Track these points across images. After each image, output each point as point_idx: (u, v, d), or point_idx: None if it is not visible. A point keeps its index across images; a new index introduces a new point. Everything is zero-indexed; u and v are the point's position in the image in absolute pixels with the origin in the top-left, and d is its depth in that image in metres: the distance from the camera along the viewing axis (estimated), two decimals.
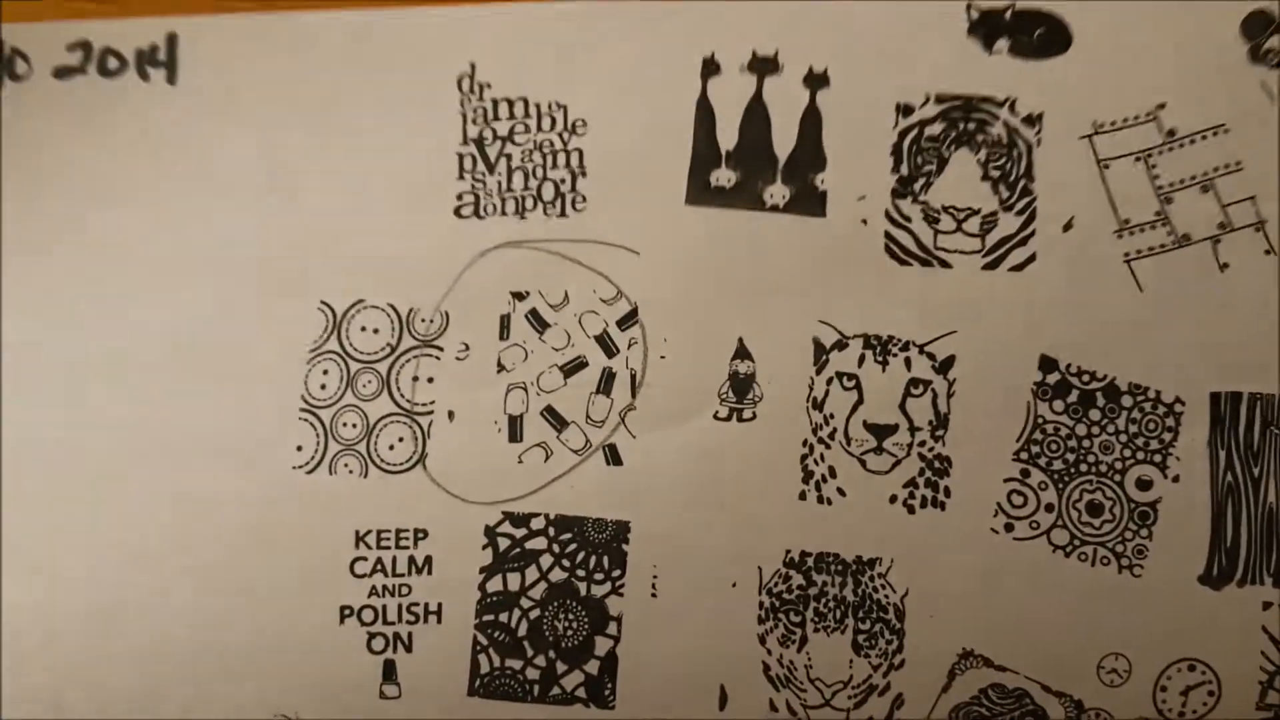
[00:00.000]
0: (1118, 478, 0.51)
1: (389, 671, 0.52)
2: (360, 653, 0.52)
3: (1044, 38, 0.53)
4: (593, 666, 0.52)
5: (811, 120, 0.54)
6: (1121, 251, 0.52)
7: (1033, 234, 0.52)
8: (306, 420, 0.54)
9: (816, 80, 0.54)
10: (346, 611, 0.53)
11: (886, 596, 0.51)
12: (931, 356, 0.52)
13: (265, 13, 0.57)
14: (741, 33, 0.55)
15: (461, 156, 0.55)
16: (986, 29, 0.54)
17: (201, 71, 0.56)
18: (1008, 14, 0.54)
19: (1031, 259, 0.52)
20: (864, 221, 0.53)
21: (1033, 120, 0.53)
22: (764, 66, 0.55)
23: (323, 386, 0.54)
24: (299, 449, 0.53)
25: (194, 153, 0.55)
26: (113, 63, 0.56)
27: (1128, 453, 0.51)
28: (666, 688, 0.51)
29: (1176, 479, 0.51)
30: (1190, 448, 0.51)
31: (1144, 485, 0.51)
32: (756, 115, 0.55)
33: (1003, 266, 0.52)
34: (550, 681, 0.52)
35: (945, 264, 0.52)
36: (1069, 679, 0.50)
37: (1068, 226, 0.52)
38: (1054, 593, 0.51)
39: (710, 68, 0.55)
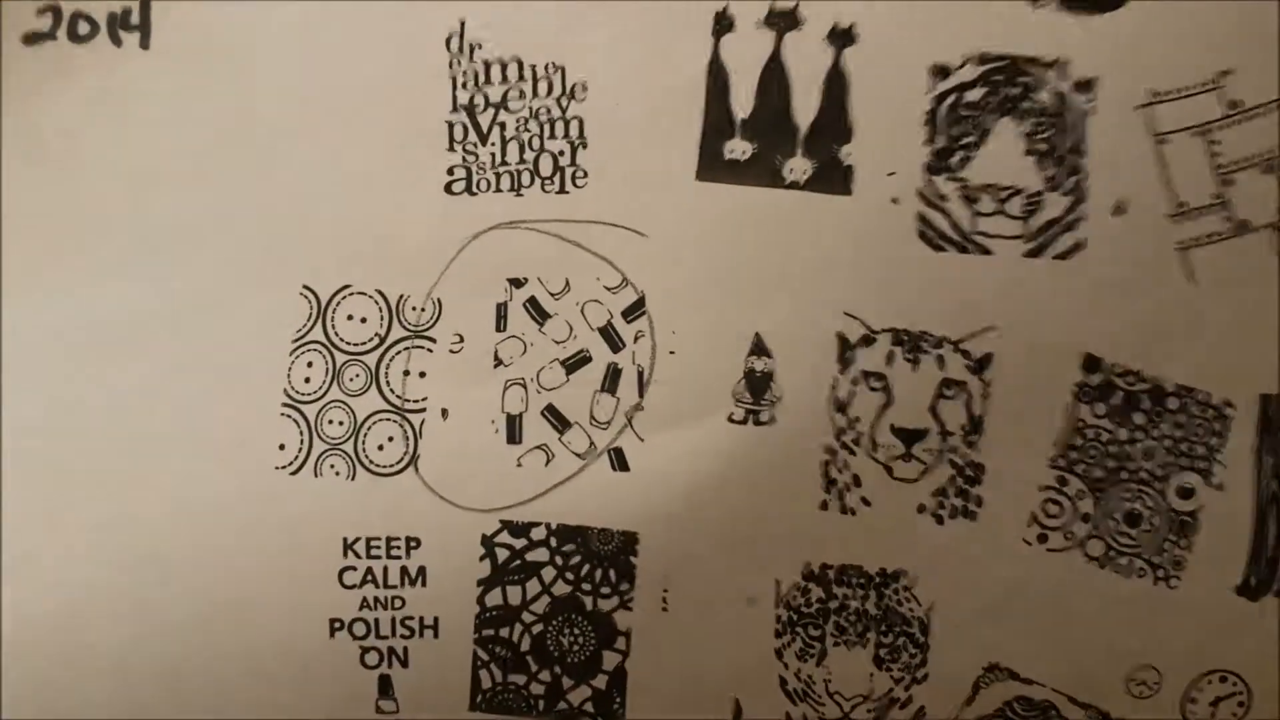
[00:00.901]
0: (1159, 486, 0.50)
1: (385, 687, 0.52)
2: (354, 668, 0.51)
3: None
4: (601, 681, 0.51)
5: (836, 84, 0.50)
6: (1175, 239, 0.49)
7: (1081, 218, 0.49)
8: (289, 416, 0.51)
9: (842, 37, 0.50)
10: (337, 625, 0.51)
11: (911, 610, 0.50)
12: (966, 355, 0.49)
13: None
14: None
15: (451, 125, 0.51)
16: None
17: (176, 35, 0.52)
18: None
19: (1079, 246, 0.49)
20: (894, 201, 0.50)
21: (1084, 85, 0.49)
22: (783, 21, 0.50)
23: (306, 380, 0.51)
24: (281, 448, 0.51)
25: (166, 122, 0.51)
26: (84, 27, 0.52)
27: (1170, 459, 0.49)
28: (679, 702, 0.51)
29: (1220, 487, 0.49)
30: (1236, 454, 0.49)
31: (1186, 494, 0.49)
32: (774, 78, 0.51)
33: (1047, 254, 0.49)
34: (556, 696, 0.52)
35: (985, 250, 0.49)
36: (1097, 691, 0.50)
37: (1118, 210, 0.49)
38: (1085, 605, 0.50)
39: (723, 23, 0.51)
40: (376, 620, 0.51)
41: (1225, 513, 0.49)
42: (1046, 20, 0.49)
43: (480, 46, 0.51)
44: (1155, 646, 0.50)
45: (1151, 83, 0.49)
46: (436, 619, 0.51)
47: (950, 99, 0.49)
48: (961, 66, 0.49)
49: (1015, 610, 0.50)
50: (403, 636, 0.51)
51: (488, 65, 0.51)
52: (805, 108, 0.50)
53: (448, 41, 0.51)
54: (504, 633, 0.51)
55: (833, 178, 0.50)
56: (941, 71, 0.49)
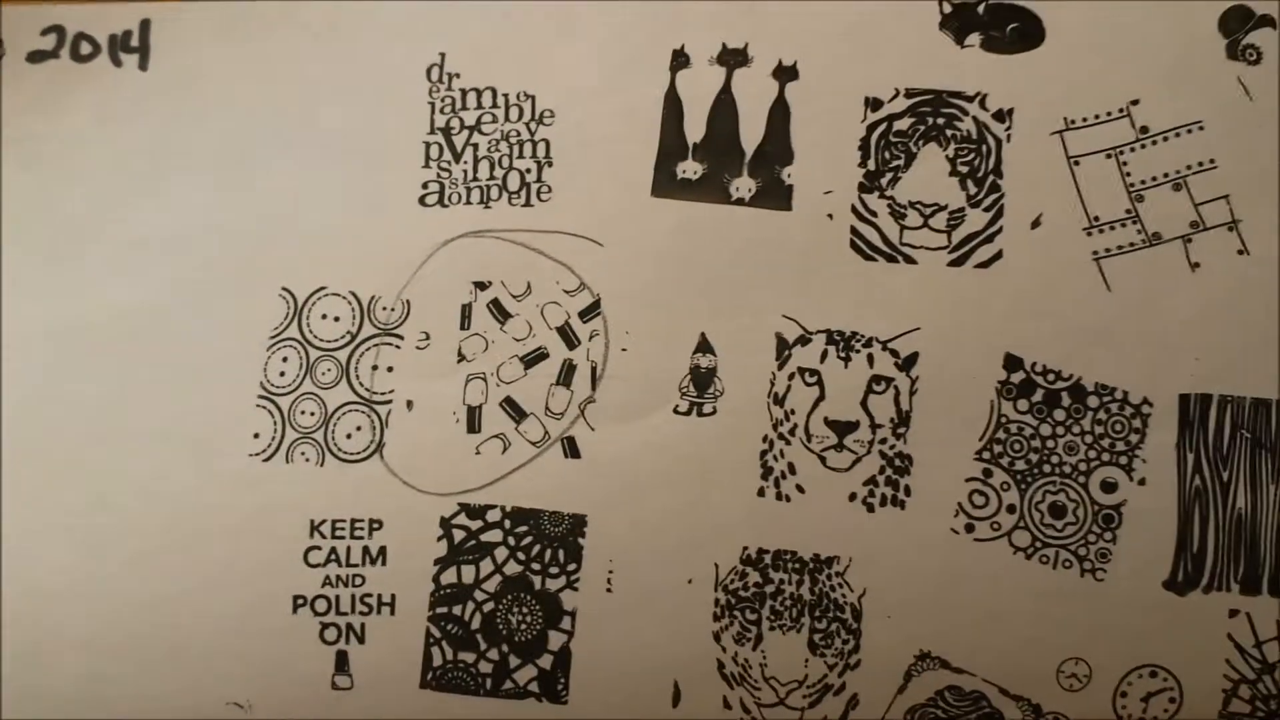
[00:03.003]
0: (1082, 479, 0.58)
1: (341, 662, 0.61)
2: (313, 643, 0.60)
3: (1017, 32, 0.62)
4: (546, 661, 0.60)
5: (779, 113, 0.62)
6: (1090, 250, 0.59)
7: (1000, 231, 0.60)
8: (264, 407, 0.62)
9: (786, 73, 0.63)
10: (300, 601, 0.61)
11: (844, 596, 0.59)
12: (895, 353, 0.60)
13: (239, 1, 0.67)
14: (711, 24, 0.63)
15: (428, 145, 0.64)
16: (959, 23, 0.62)
17: (173, 57, 0.66)
18: (981, 8, 0.62)
19: (998, 256, 0.59)
20: (830, 216, 0.61)
21: (1003, 116, 0.61)
22: (733, 59, 0.63)
23: (282, 374, 0.62)
24: (256, 436, 0.62)
25: (160, 136, 0.64)
26: (86, 47, 0.66)
27: (1093, 454, 0.58)
28: (620, 683, 0.59)
29: (1143, 482, 0.58)
30: (1157, 450, 0.58)
31: (1109, 488, 0.58)
32: (724, 108, 0.63)
33: (969, 263, 0.60)
34: (503, 675, 0.60)
35: (910, 260, 0.60)
36: (1028, 682, 0.58)
37: (1036, 224, 0.60)
38: (1014, 595, 0.58)
39: (680, 60, 0.63)
40: (337, 597, 0.60)
41: (1149, 508, 0.57)
42: (970, 58, 0.61)
43: (458, 76, 0.64)
44: (1085, 639, 0.57)
45: (1066, 111, 0.60)
46: (394, 596, 0.60)
47: (882, 127, 0.61)
48: (892, 99, 0.61)
49: (945, 599, 0.58)
50: (361, 613, 0.60)
51: (464, 93, 0.64)
52: (751, 133, 0.62)
53: (429, 71, 0.64)
54: (456, 610, 0.60)
55: (775, 195, 0.61)
56: (874, 103, 0.61)
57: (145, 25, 0.62)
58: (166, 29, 0.62)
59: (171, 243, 0.60)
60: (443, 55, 0.61)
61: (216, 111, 0.60)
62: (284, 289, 0.59)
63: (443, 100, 0.60)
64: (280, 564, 0.58)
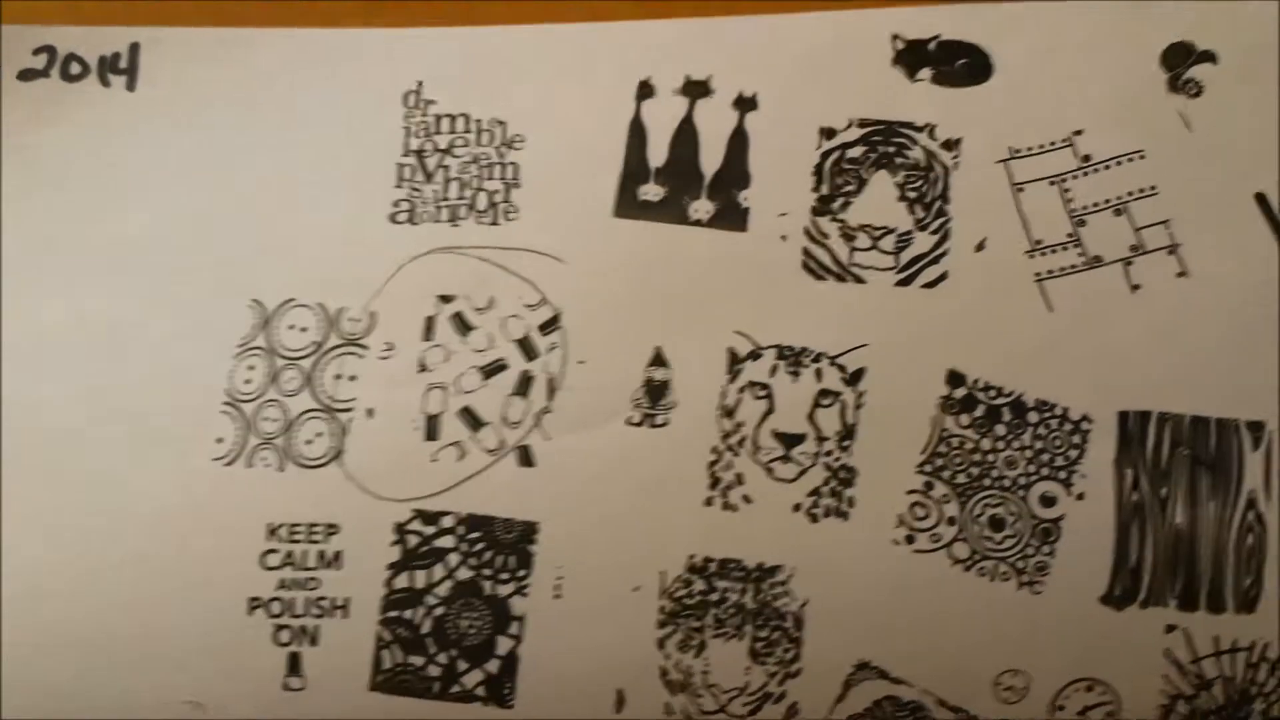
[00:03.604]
0: (1021, 493, 0.72)
1: (294, 664, 0.74)
2: (266, 644, 0.72)
3: (966, 67, 0.77)
4: (494, 665, 0.73)
5: (738, 141, 0.78)
6: (1032, 271, 0.73)
7: (946, 253, 0.75)
8: (228, 413, 0.77)
9: (745, 103, 0.78)
10: (255, 603, 0.74)
11: (786, 605, 0.72)
12: (842, 368, 0.74)
13: (226, 28, 0.84)
14: (676, 57, 0.78)
15: (401, 166, 0.80)
16: (911, 58, 0.77)
17: (160, 80, 0.81)
18: (932, 44, 0.78)
19: (943, 277, 0.74)
20: (783, 237, 0.75)
21: (951, 145, 0.76)
22: (696, 90, 0.79)
23: (247, 381, 0.76)
24: (219, 441, 0.75)
25: (144, 154, 0.79)
26: (75, 68, 0.82)
27: (1032, 469, 0.72)
28: (565, 688, 0.71)
29: (1081, 497, 0.71)
30: (1096, 466, 0.70)
31: (1048, 502, 0.72)
32: (686, 135, 0.78)
33: (915, 283, 0.74)
34: (452, 679, 0.73)
35: (860, 280, 0.74)
36: (965, 694, 0.70)
37: (980, 246, 0.74)
38: (953, 607, 0.70)
39: (645, 90, 0.79)
40: (292, 600, 0.74)
41: (1088, 522, 0.69)
42: (920, 91, 0.76)
43: (434, 102, 0.80)
44: (1022, 651, 0.69)
45: (1011, 141, 0.75)
46: (348, 600, 0.73)
47: (835, 155, 0.76)
48: (846, 128, 0.77)
49: (885, 609, 0.70)
50: (315, 616, 0.74)
51: (438, 118, 0.80)
52: (711, 159, 0.76)
53: (406, 97, 0.80)
54: (408, 614, 0.74)
55: (732, 217, 0.75)
56: (829, 132, 0.76)
57: (135, 48, 0.77)
58: (155, 52, 0.77)
59: (149, 254, 0.72)
60: (420, 83, 0.76)
61: (199, 131, 0.74)
62: (254, 299, 0.74)
63: (418, 125, 0.76)
64: (237, 566, 0.69)
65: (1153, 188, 0.66)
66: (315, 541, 0.67)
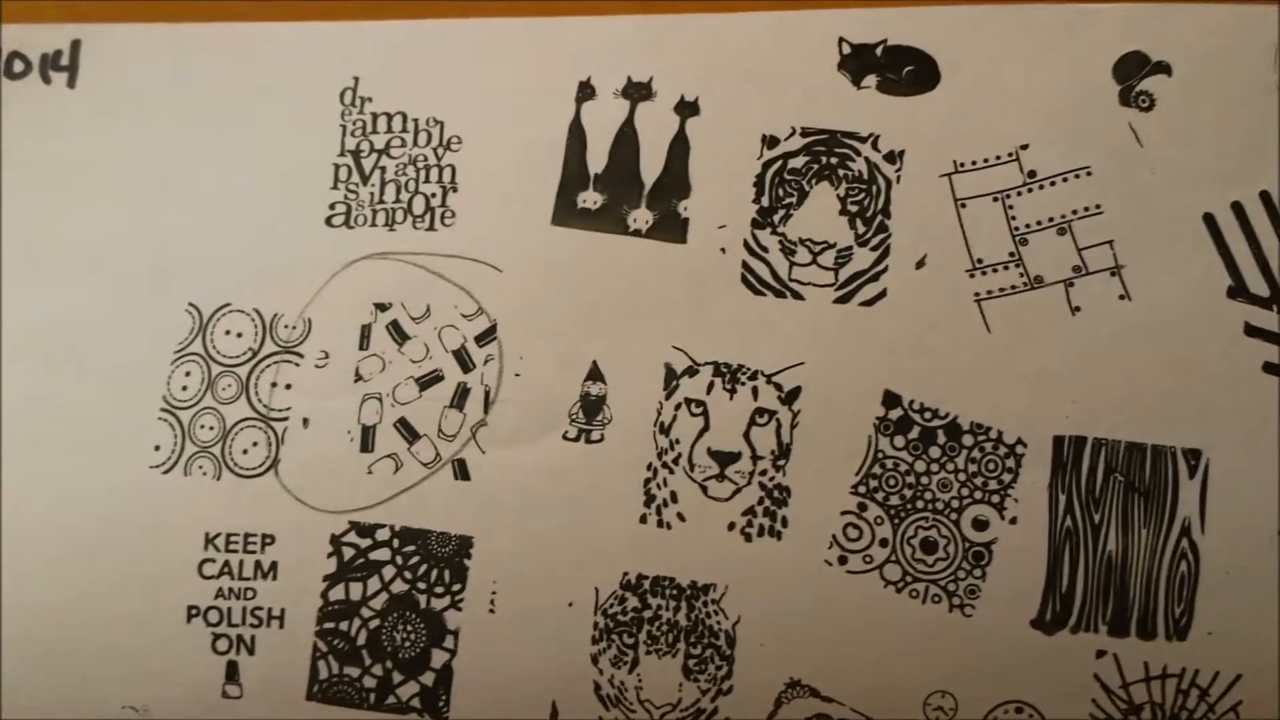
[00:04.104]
0: (954, 516, 0.72)
1: (232, 672, 0.75)
2: (205, 652, 0.73)
3: (913, 74, 0.76)
4: (428, 678, 0.74)
5: (679, 147, 0.77)
6: (972, 291, 0.74)
7: (885, 270, 0.75)
8: (166, 420, 0.78)
9: (687, 108, 0.77)
10: (193, 611, 0.75)
11: (719, 623, 0.73)
12: (778, 387, 0.74)
13: (166, 23, 0.83)
14: (618, 57, 0.77)
15: (338, 167, 0.79)
16: (857, 64, 0.76)
17: (100, 76, 0.80)
18: (879, 50, 0.77)
19: (882, 295, 0.73)
20: (723, 250, 0.75)
21: (894, 157, 0.75)
22: (638, 92, 0.78)
23: (184, 388, 0.77)
24: (156, 448, 0.76)
25: (83, 152, 0.77)
26: (18, 65, 0.81)
27: (966, 492, 0.72)
28: (499, 702, 0.72)
29: (1014, 521, 0.71)
30: (1029, 490, 0.71)
31: (980, 525, 0.72)
32: (626, 140, 0.78)
33: (854, 301, 0.74)
34: (387, 690, 0.74)
35: (798, 295, 0.74)
36: (895, 714, 0.70)
37: (920, 264, 0.74)
38: (884, 627, 0.71)
39: (586, 91, 0.78)
40: (229, 609, 0.75)
41: (1019, 546, 0.70)
42: (866, 99, 0.75)
43: (370, 100, 0.79)
44: (952, 673, 0.70)
45: (955, 154, 0.74)
46: (283, 610, 0.74)
47: (777, 164, 0.75)
48: (789, 137, 0.76)
49: (817, 629, 0.71)
50: (252, 625, 0.75)
51: (375, 117, 0.79)
52: (651, 166, 0.76)
53: (342, 95, 0.79)
54: (343, 626, 0.75)
55: (671, 227, 0.75)
56: (771, 141, 0.76)
57: (76, 45, 0.76)
58: (96, 49, 0.76)
59: (87, 256, 0.72)
60: (356, 79, 0.75)
61: (137, 128, 0.73)
62: (191, 304, 0.74)
63: (354, 123, 0.75)
64: (175, 575, 0.70)
65: (1098, 206, 0.66)
66: (251, 552, 0.68)
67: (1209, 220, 0.66)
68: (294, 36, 0.73)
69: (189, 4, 0.76)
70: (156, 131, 0.73)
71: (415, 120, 0.71)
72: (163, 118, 0.74)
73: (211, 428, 0.69)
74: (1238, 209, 0.66)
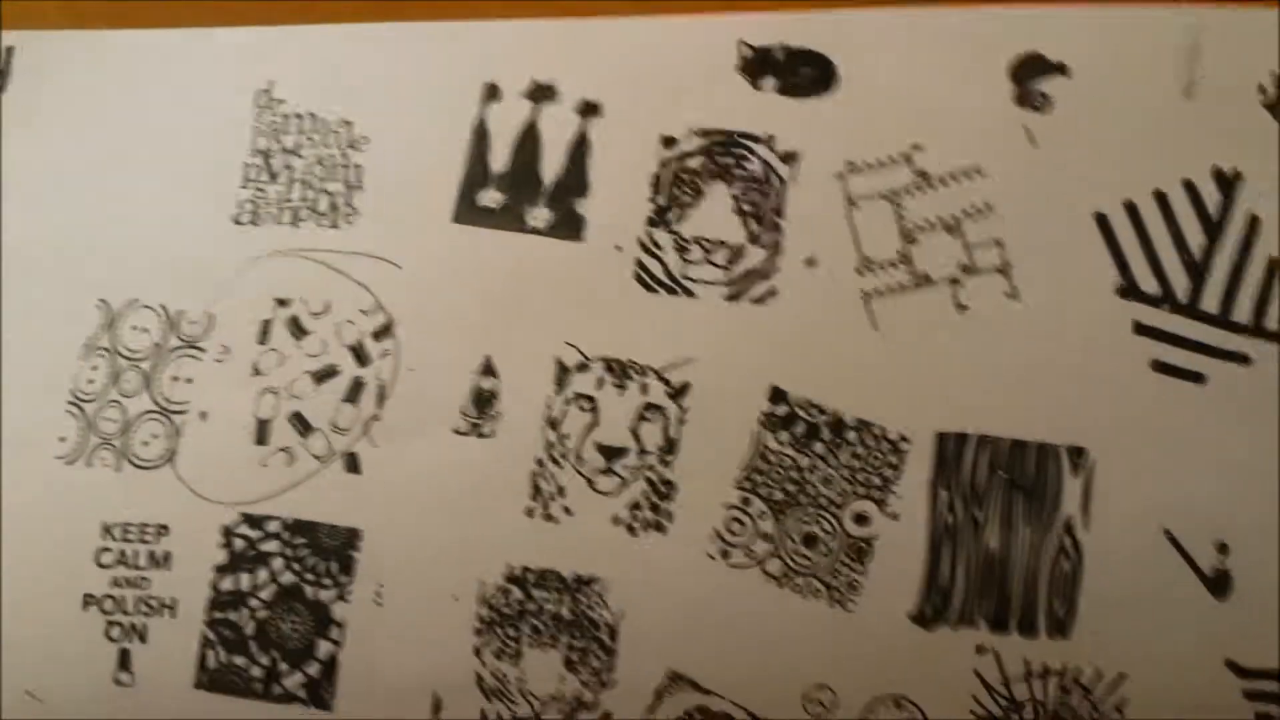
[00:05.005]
0: (836, 511, 0.75)
1: (124, 660, 0.76)
2: (99, 640, 0.75)
3: (810, 77, 0.78)
4: (314, 669, 0.77)
5: (580, 148, 0.79)
6: (860, 289, 0.75)
7: (776, 269, 0.77)
8: (71, 413, 0.81)
9: (589, 109, 0.80)
10: (89, 599, 0.76)
11: (601, 616, 0.75)
12: (668, 382, 0.75)
13: (94, 30, 0.87)
14: (523, 59, 0.80)
15: (248, 167, 0.83)
16: (756, 66, 0.78)
17: (29, 82, 0.82)
18: (778, 52, 0.80)
19: (772, 293, 0.76)
20: (618, 248, 0.77)
21: (789, 158, 0.78)
22: (541, 94, 0.80)
23: (90, 381, 0.79)
24: (62, 440, 0.79)
25: (9, 154, 0.84)
26: None
27: (848, 487, 0.75)
28: (383, 692, 0.73)
29: (895, 516, 0.72)
30: (911, 486, 0.72)
31: (862, 520, 0.74)
32: (529, 140, 0.80)
33: (745, 299, 0.76)
34: (273, 680, 0.76)
35: (690, 293, 0.77)
36: (775, 707, 0.71)
37: (811, 263, 0.76)
38: (764, 621, 0.71)
39: (491, 93, 0.81)
40: (124, 598, 0.77)
41: (900, 541, 0.71)
42: (763, 101, 0.77)
43: (284, 102, 0.83)
44: (832, 667, 0.70)
45: (849, 155, 0.76)
46: (175, 600, 0.77)
47: (674, 164, 0.79)
48: (686, 137, 0.79)
49: (698, 622, 0.71)
50: (144, 614, 0.76)
51: (287, 118, 0.82)
52: (552, 166, 0.77)
53: (257, 96, 0.83)
54: (232, 616, 0.77)
55: (569, 226, 0.77)
56: (669, 141, 0.79)
57: (9, 52, 0.81)
58: (27, 55, 0.80)
59: (8, 253, 0.77)
60: (271, 82, 0.79)
61: (58, 131, 0.76)
62: (100, 299, 0.77)
63: (267, 124, 0.78)
64: (74, 563, 0.72)
65: (988, 205, 0.67)
66: (146, 541, 0.69)
67: (1101, 220, 0.66)
68: (214, 41, 0.76)
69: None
70: (75, 133, 0.77)
71: (325, 121, 0.73)
72: (82, 120, 0.77)
73: (114, 420, 0.71)
74: (1131, 209, 0.67)
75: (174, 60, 0.76)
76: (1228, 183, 0.67)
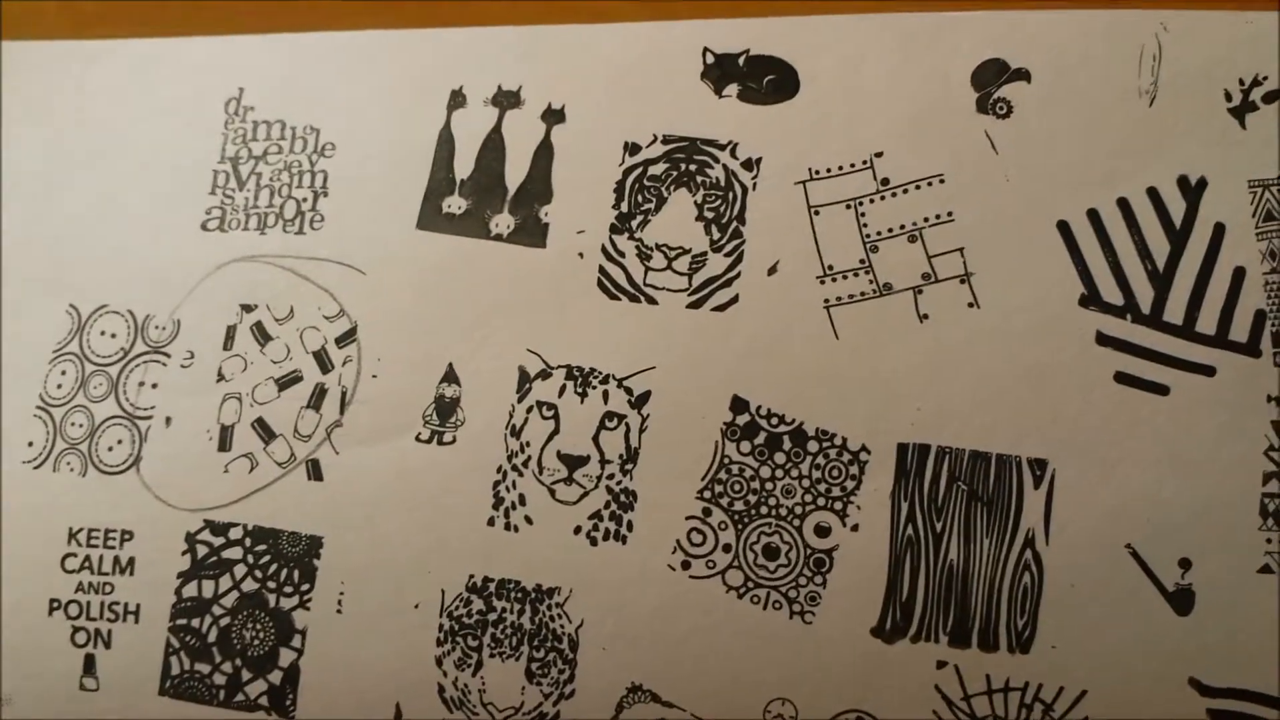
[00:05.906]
0: (797, 522, 0.74)
1: (89, 665, 0.77)
2: (65, 644, 0.75)
3: (773, 84, 0.78)
4: (276, 676, 0.76)
5: (544, 154, 0.79)
6: (822, 297, 0.75)
7: (738, 276, 0.76)
8: (40, 418, 0.81)
9: (554, 116, 0.79)
10: (55, 604, 0.76)
11: (562, 626, 0.74)
12: (629, 391, 0.75)
13: (76, 40, 0.87)
14: (489, 66, 0.79)
15: (216, 173, 0.83)
16: (720, 73, 0.77)
17: (15, 88, 0.86)
18: (742, 59, 0.79)
19: (734, 300, 0.75)
20: (580, 255, 0.77)
21: (751, 164, 0.77)
22: (507, 100, 0.80)
23: (59, 386, 0.79)
24: (30, 444, 0.79)
25: None
26: None
27: (809, 498, 0.74)
28: (345, 701, 0.74)
29: (856, 528, 0.72)
30: (872, 497, 0.72)
31: (823, 532, 0.73)
32: (493, 147, 0.80)
33: (706, 306, 0.75)
34: (236, 688, 0.76)
35: (652, 300, 0.76)
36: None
37: (772, 270, 0.75)
38: (725, 633, 0.71)
39: (457, 100, 0.80)
40: (89, 603, 0.76)
41: (861, 554, 0.70)
42: (726, 108, 0.77)
43: (253, 109, 0.82)
44: (792, 680, 0.70)
45: (811, 162, 0.75)
46: (139, 606, 0.77)
47: (637, 171, 0.77)
48: (650, 144, 0.78)
49: (658, 633, 0.71)
50: (109, 620, 0.77)
51: (256, 125, 0.82)
52: (516, 172, 0.77)
53: (227, 104, 0.83)
54: (195, 623, 0.77)
55: (532, 232, 0.76)
56: (633, 148, 0.78)
57: None
58: (12, 63, 0.81)
59: None
60: (241, 90, 0.79)
61: (34, 136, 0.76)
62: (71, 305, 0.77)
63: (236, 131, 0.78)
64: (40, 568, 0.71)
65: (949, 214, 0.66)
66: (111, 547, 0.69)
67: (1063, 228, 0.65)
68: (186, 49, 0.75)
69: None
70: (49, 139, 0.77)
71: (293, 128, 0.73)
72: (51, 127, 0.77)
73: (81, 425, 0.70)
74: (1093, 216, 0.66)
75: (146, 68, 0.75)
76: (1192, 190, 0.64)
